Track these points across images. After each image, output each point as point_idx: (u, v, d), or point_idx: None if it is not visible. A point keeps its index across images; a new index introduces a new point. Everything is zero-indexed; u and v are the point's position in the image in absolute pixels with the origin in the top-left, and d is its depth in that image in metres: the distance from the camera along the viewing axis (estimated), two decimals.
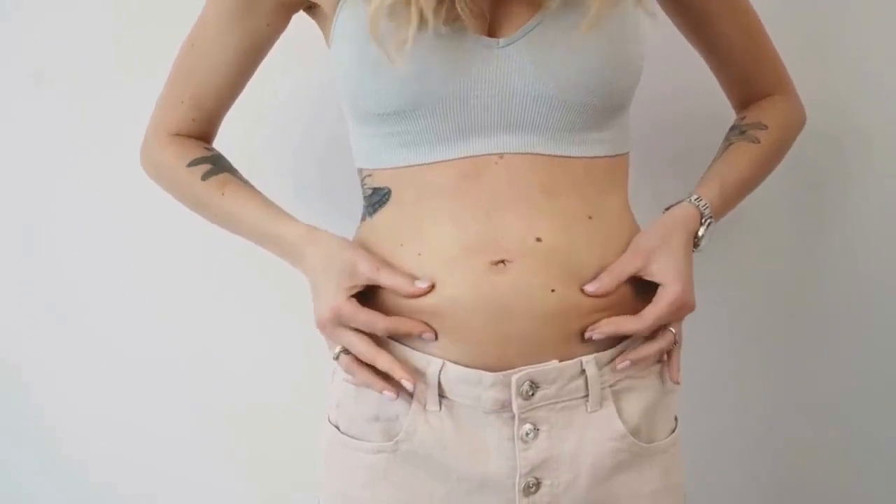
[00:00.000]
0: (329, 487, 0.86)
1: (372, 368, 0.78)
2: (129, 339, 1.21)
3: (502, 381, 0.76)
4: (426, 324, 0.77)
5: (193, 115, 0.89)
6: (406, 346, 0.79)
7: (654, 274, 0.80)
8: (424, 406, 0.79)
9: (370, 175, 0.82)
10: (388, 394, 0.77)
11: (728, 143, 0.94)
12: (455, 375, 0.77)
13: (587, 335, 0.77)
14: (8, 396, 1.24)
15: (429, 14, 0.72)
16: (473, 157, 0.77)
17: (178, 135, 0.90)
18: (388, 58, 0.72)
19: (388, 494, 0.81)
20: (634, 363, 0.80)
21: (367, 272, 0.78)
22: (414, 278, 0.77)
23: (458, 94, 0.75)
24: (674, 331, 0.82)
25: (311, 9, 0.84)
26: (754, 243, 1.23)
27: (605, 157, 0.80)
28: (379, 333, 0.78)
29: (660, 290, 0.80)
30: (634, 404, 0.81)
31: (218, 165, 0.89)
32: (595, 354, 0.78)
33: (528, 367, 0.76)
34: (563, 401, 0.78)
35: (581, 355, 0.78)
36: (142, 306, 1.20)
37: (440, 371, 0.77)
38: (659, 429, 0.83)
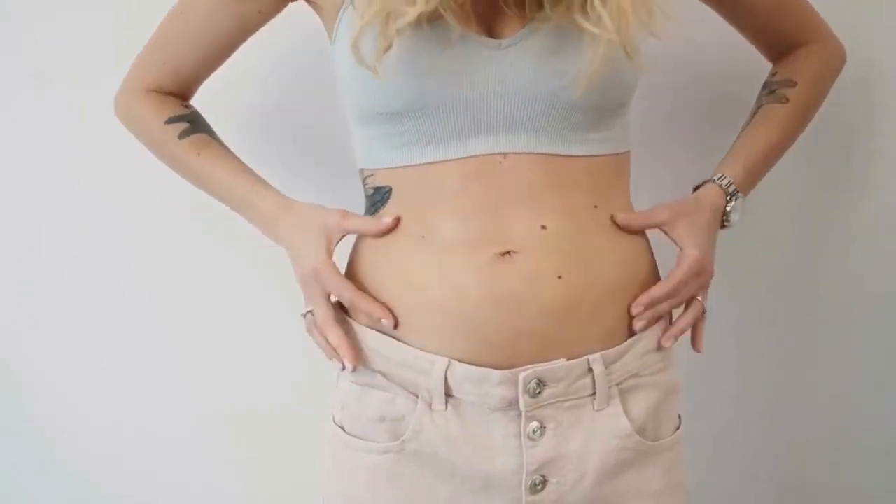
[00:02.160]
0: (332, 488, 0.86)
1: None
2: (129, 340, 1.21)
3: (509, 379, 0.76)
4: (388, 310, 0.78)
5: (172, 78, 0.90)
6: (411, 345, 0.79)
7: (675, 234, 0.84)
8: (430, 405, 0.79)
9: (372, 175, 0.82)
10: (336, 363, 0.81)
11: (758, 105, 0.95)
12: (461, 374, 0.77)
13: (637, 326, 0.80)
14: (7, 397, 1.23)
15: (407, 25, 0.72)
16: (477, 156, 0.77)
17: (155, 91, 0.91)
18: (371, 72, 0.73)
19: (392, 495, 0.81)
20: (676, 338, 0.84)
21: (335, 223, 0.81)
22: (382, 218, 0.79)
23: (460, 94, 0.76)
24: (700, 299, 0.85)
25: (316, 3, 0.84)
26: (756, 245, 1.23)
27: (608, 155, 0.81)
28: (344, 302, 0.82)
29: (679, 255, 0.84)
30: (641, 402, 0.82)
31: (195, 125, 0.90)
32: (602, 353, 0.78)
33: (536, 365, 0.76)
34: (570, 399, 0.78)
35: (588, 350, 0.78)
36: (142, 307, 1.20)
37: (446, 370, 0.77)
38: (664, 427, 0.84)
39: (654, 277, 0.85)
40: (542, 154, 0.77)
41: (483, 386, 0.77)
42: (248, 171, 0.88)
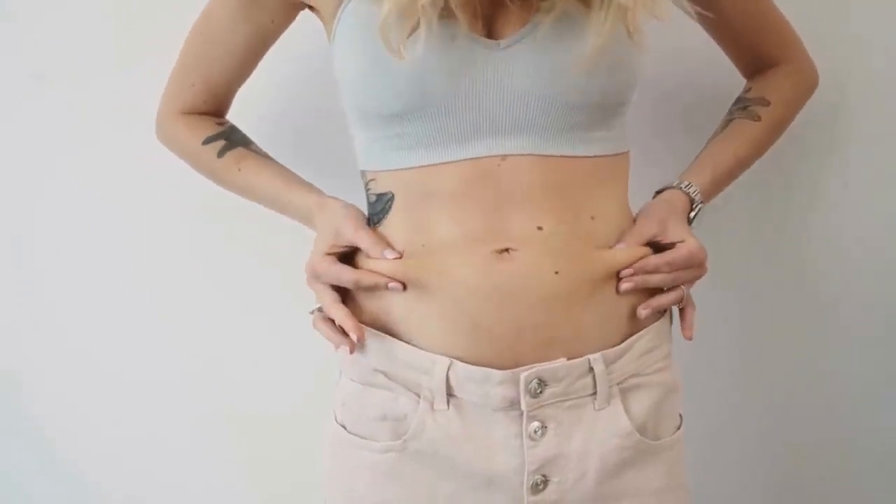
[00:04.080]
0: (333, 488, 0.86)
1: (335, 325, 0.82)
2: (129, 340, 1.21)
3: (511, 379, 0.76)
4: (396, 279, 0.78)
5: (204, 98, 0.93)
6: (414, 345, 0.79)
7: (669, 237, 0.83)
8: (432, 405, 0.79)
9: (373, 179, 0.83)
10: (344, 347, 0.81)
11: (730, 117, 0.96)
12: (463, 373, 0.77)
13: (622, 287, 0.79)
14: (7, 397, 1.23)
15: (431, 14, 0.72)
16: (476, 158, 0.77)
17: (189, 113, 0.94)
18: (396, 56, 0.72)
19: (393, 494, 0.81)
20: (655, 309, 0.82)
21: (347, 233, 0.82)
22: (390, 247, 0.80)
23: (460, 95, 0.76)
24: (684, 289, 0.84)
25: (314, 8, 0.84)
26: (754, 245, 1.23)
27: (607, 155, 0.81)
28: (347, 286, 0.82)
29: (679, 244, 0.83)
30: (641, 401, 0.82)
31: (231, 140, 0.94)
32: (602, 352, 0.79)
33: (537, 364, 0.76)
34: (571, 398, 0.79)
35: (588, 348, 0.78)
36: (142, 307, 1.20)
37: (448, 369, 0.77)
38: (664, 426, 0.84)
39: None
40: (541, 155, 0.77)
41: (485, 386, 0.77)
42: (286, 176, 0.92)
